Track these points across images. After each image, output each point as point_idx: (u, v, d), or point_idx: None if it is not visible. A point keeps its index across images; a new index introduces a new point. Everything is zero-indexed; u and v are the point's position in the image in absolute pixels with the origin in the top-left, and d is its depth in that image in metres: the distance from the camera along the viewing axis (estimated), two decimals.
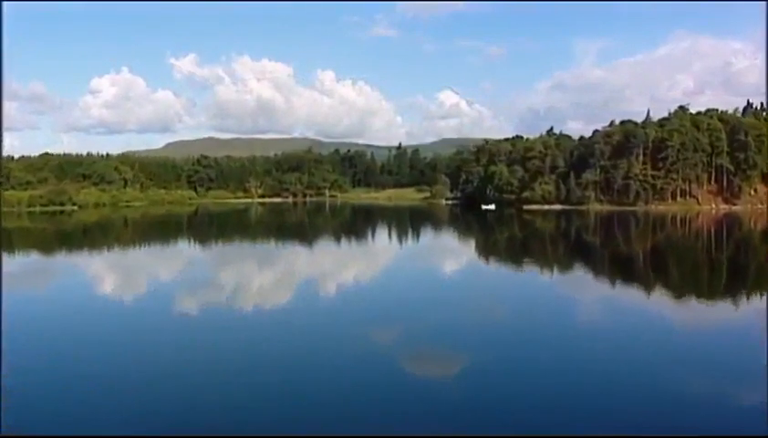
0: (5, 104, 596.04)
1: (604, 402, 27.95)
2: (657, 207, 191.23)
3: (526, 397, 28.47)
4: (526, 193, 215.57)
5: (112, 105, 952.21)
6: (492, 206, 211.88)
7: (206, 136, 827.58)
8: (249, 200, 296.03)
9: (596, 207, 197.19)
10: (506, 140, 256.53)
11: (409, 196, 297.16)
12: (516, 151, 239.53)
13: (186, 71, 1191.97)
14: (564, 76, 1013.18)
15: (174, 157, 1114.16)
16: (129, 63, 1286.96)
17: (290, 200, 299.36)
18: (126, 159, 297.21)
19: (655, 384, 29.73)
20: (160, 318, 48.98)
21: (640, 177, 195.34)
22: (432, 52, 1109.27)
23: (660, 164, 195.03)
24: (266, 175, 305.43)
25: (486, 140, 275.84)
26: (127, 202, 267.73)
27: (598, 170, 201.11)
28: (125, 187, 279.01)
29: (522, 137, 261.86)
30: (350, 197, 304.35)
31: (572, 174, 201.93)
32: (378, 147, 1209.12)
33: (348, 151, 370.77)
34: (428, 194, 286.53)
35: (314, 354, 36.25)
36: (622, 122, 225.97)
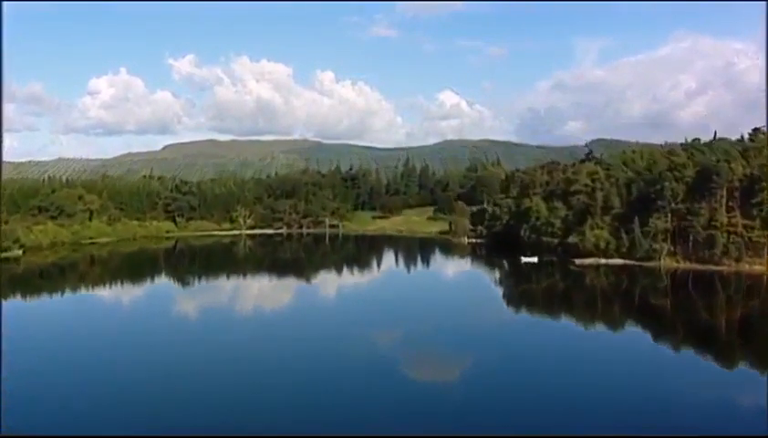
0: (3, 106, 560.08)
1: None
2: (751, 267, 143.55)
3: None
4: (573, 239, 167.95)
5: (111, 106, 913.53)
6: (535, 259, 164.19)
7: (205, 138, 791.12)
8: (236, 231, 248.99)
9: (669, 264, 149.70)
10: (541, 167, 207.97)
11: (422, 226, 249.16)
12: (554, 181, 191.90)
13: (185, 72, 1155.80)
14: (564, 76, 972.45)
15: (174, 157, 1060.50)
16: (127, 64, 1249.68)
17: (284, 231, 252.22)
18: (92, 186, 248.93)
19: None
20: None
21: (728, 227, 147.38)
22: (432, 52, 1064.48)
23: (754, 211, 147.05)
24: (256, 202, 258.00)
25: (514, 171, 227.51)
26: (91, 238, 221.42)
27: (669, 214, 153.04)
28: (90, 219, 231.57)
29: (558, 163, 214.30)
30: (353, 227, 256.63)
31: (636, 220, 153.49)
32: (380, 149, 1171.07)
33: (351, 168, 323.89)
34: (444, 226, 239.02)
35: None
36: (688, 149, 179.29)
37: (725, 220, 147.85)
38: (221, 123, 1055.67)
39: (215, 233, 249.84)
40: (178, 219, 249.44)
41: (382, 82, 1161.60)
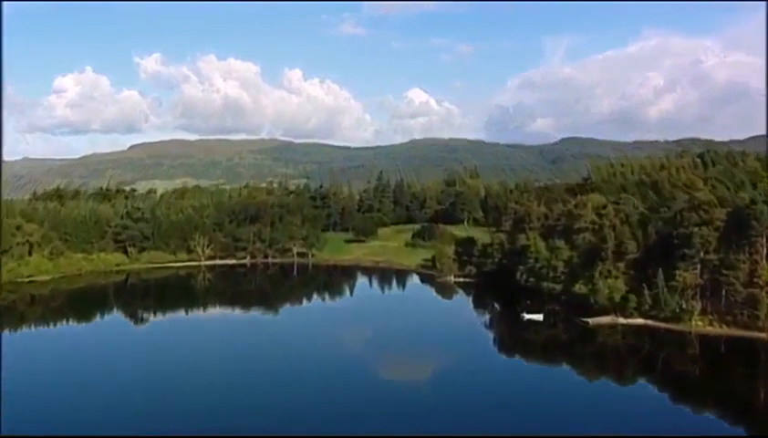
0: None
1: None
2: None
3: None
4: (580, 287, 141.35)
5: (76, 105, 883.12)
6: (540, 317, 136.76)
7: (172, 137, 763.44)
8: (195, 262, 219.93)
9: (700, 327, 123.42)
10: (538, 198, 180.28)
11: (401, 255, 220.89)
12: (554, 214, 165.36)
13: (151, 70, 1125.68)
14: (533, 74, 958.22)
15: (140, 157, 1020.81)
16: (93, 62, 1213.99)
17: (247, 261, 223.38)
18: (32, 214, 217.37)
19: None
20: None
21: None
22: (401, 50, 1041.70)
23: None
24: (216, 229, 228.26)
25: (507, 191, 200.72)
26: (30, 276, 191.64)
27: (699, 265, 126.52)
28: (30, 254, 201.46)
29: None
30: (324, 256, 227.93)
31: (660, 273, 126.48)
32: (349, 148, 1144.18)
33: (321, 185, 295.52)
34: (425, 255, 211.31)
35: None
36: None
37: None
38: (188, 122, 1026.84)
39: (171, 264, 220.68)
40: (129, 250, 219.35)
41: (351, 80, 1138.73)
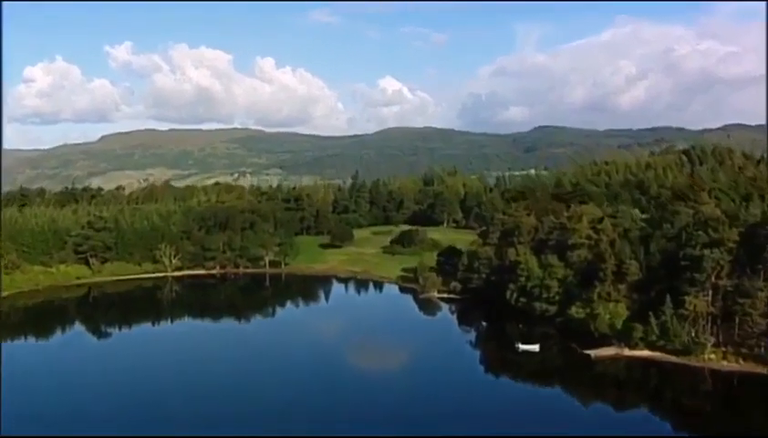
0: None
1: None
2: None
3: None
4: (578, 311, 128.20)
5: (47, 94, 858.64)
6: (536, 347, 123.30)
7: (144, 126, 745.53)
8: (161, 274, 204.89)
9: (713, 361, 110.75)
10: (527, 208, 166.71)
11: (380, 265, 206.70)
12: (545, 228, 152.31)
13: (122, 60, 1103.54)
14: (505, 61, 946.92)
15: (111, 148, 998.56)
16: (63, 51, 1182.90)
17: (217, 272, 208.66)
18: None
19: None
20: None
21: None
22: (375, 39, 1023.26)
23: None
24: (184, 237, 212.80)
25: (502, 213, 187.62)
26: None
27: (710, 291, 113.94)
28: None
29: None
30: (298, 266, 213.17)
31: (668, 299, 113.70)
32: (322, 137, 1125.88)
33: (294, 187, 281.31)
34: (405, 263, 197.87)
35: None
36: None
37: None
38: (160, 111, 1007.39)
39: (136, 276, 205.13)
40: (92, 261, 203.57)
41: (323, 69, 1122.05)
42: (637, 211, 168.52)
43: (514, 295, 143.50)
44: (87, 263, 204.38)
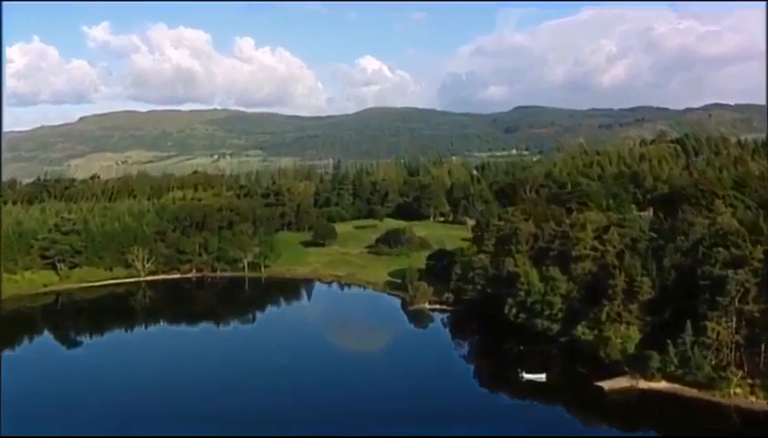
0: None
1: None
2: None
3: None
4: (585, 332, 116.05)
5: (24, 75, 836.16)
6: (543, 377, 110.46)
7: (123, 107, 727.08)
8: (134, 279, 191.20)
9: (739, 395, 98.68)
10: (524, 211, 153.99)
11: (365, 267, 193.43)
12: (545, 235, 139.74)
13: (100, 40, 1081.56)
14: (485, 41, 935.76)
15: (90, 129, 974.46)
16: (40, 32, 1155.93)
17: (193, 275, 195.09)
18: None
19: None
20: None
21: None
22: (354, 18, 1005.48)
23: None
24: (158, 239, 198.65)
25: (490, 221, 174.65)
26: None
27: (733, 316, 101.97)
28: None
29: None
30: (278, 269, 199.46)
31: (689, 325, 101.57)
32: (302, 118, 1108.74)
33: (274, 182, 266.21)
34: (393, 266, 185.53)
35: None
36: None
37: None
38: (139, 91, 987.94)
39: (107, 282, 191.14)
40: (60, 266, 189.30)
41: (303, 49, 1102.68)
42: (644, 217, 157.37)
43: (513, 310, 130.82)
44: (54, 268, 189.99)
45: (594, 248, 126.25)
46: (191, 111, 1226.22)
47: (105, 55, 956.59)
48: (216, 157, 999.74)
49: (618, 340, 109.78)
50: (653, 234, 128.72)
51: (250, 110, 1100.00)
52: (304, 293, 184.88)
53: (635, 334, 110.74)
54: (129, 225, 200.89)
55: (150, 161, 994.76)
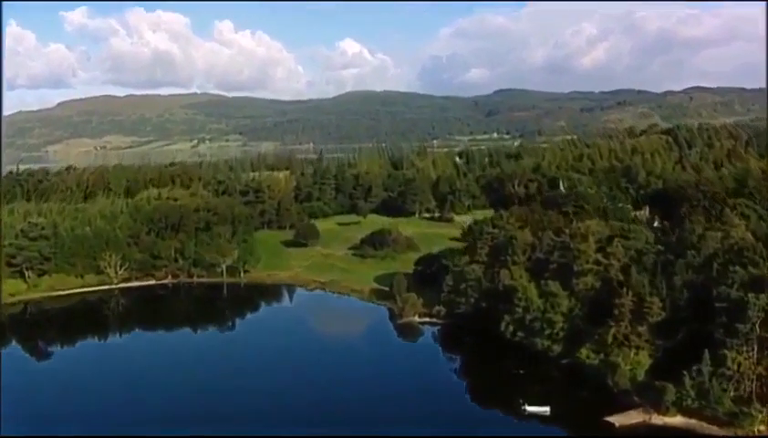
0: None
1: None
2: None
3: None
4: (589, 355, 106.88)
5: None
6: (547, 410, 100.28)
7: (102, 92, 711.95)
8: (106, 286, 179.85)
9: (763, 432, 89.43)
10: (519, 218, 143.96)
11: (350, 272, 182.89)
12: (544, 245, 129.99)
13: (78, 23, 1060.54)
14: (466, 23, 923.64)
15: (68, 115, 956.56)
16: (16, 16, 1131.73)
17: (169, 282, 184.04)
18: None
19: None
20: None
21: None
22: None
23: None
24: (132, 243, 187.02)
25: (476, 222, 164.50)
26: None
27: (754, 344, 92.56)
28: None
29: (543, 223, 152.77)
30: (258, 275, 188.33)
31: (706, 355, 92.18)
32: (282, 102, 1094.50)
33: (253, 178, 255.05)
34: (378, 269, 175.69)
35: None
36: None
37: None
38: (118, 75, 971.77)
39: (78, 290, 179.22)
40: (28, 274, 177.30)
41: (282, 32, 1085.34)
42: (641, 216, 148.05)
43: (511, 328, 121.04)
44: (22, 276, 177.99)
45: (597, 262, 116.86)
46: (170, 96, 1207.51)
47: (83, 39, 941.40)
48: (196, 142, 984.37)
49: (628, 367, 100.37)
50: (660, 247, 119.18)
51: (230, 94, 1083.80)
52: (286, 302, 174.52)
53: (645, 360, 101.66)
54: (101, 229, 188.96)
55: (129, 147, 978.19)
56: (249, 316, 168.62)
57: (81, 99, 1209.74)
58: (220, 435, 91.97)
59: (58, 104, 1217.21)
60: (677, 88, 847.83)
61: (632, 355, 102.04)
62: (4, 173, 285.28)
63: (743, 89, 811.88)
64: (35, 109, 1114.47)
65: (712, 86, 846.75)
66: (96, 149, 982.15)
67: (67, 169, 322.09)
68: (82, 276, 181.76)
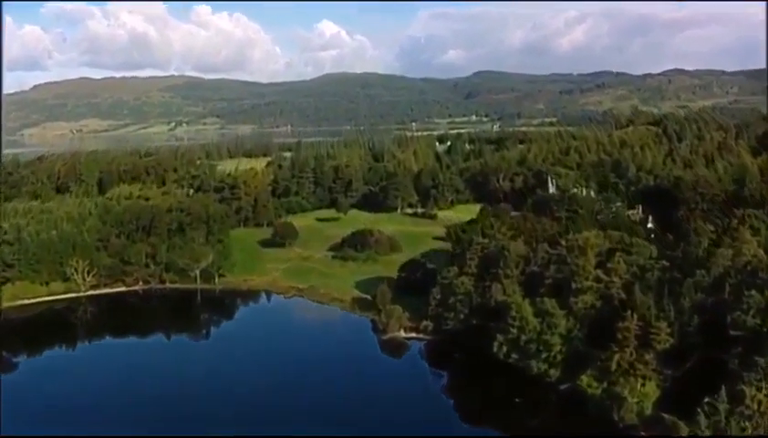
0: None
1: None
2: None
3: None
4: (591, 383, 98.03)
5: None
6: None
7: (78, 74, 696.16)
8: (74, 294, 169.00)
9: None
10: (513, 229, 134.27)
11: (330, 274, 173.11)
12: (538, 258, 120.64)
13: (53, 6, 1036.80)
14: (444, 4, 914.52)
15: (44, 98, 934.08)
16: None
17: (139, 288, 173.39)
18: None
19: None
20: None
21: None
22: None
23: None
24: (101, 248, 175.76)
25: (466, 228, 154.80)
26: None
27: None
28: None
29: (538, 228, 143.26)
30: (233, 280, 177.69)
31: (723, 391, 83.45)
32: (260, 84, 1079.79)
33: (229, 173, 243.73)
34: (361, 273, 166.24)
35: None
36: None
37: None
38: (94, 58, 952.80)
39: (45, 298, 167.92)
40: None
41: (260, 13, 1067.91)
42: (633, 216, 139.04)
43: (504, 348, 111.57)
44: None
45: (597, 279, 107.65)
46: (147, 78, 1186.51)
47: (58, 21, 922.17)
48: (173, 125, 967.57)
49: (635, 400, 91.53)
50: (664, 263, 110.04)
51: (207, 77, 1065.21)
52: (262, 312, 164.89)
53: (652, 391, 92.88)
54: (68, 233, 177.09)
55: (106, 131, 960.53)
56: (223, 327, 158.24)
57: (57, 82, 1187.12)
58: None
59: (34, 87, 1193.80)
60: (656, 70, 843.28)
61: (639, 387, 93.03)
62: None
63: (723, 72, 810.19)
64: (10, 91, 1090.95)
65: (691, 69, 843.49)
66: (72, 132, 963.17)
67: (39, 158, 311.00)
68: (47, 284, 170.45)
